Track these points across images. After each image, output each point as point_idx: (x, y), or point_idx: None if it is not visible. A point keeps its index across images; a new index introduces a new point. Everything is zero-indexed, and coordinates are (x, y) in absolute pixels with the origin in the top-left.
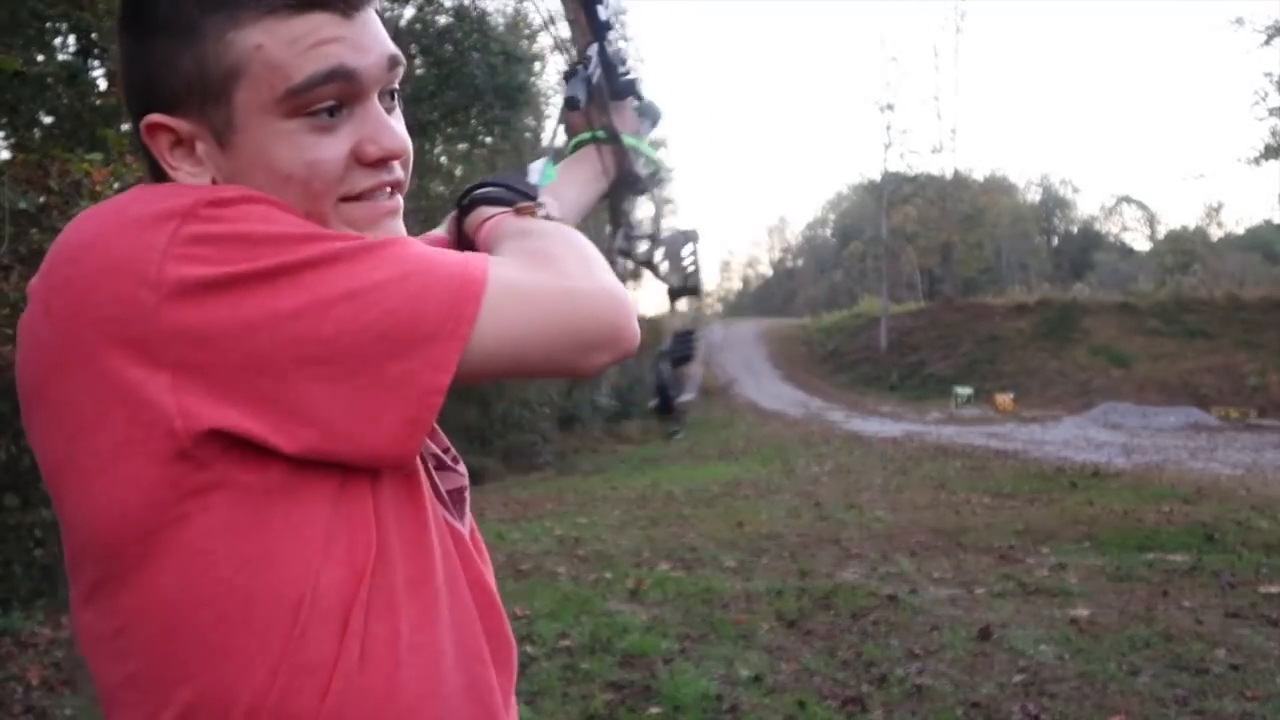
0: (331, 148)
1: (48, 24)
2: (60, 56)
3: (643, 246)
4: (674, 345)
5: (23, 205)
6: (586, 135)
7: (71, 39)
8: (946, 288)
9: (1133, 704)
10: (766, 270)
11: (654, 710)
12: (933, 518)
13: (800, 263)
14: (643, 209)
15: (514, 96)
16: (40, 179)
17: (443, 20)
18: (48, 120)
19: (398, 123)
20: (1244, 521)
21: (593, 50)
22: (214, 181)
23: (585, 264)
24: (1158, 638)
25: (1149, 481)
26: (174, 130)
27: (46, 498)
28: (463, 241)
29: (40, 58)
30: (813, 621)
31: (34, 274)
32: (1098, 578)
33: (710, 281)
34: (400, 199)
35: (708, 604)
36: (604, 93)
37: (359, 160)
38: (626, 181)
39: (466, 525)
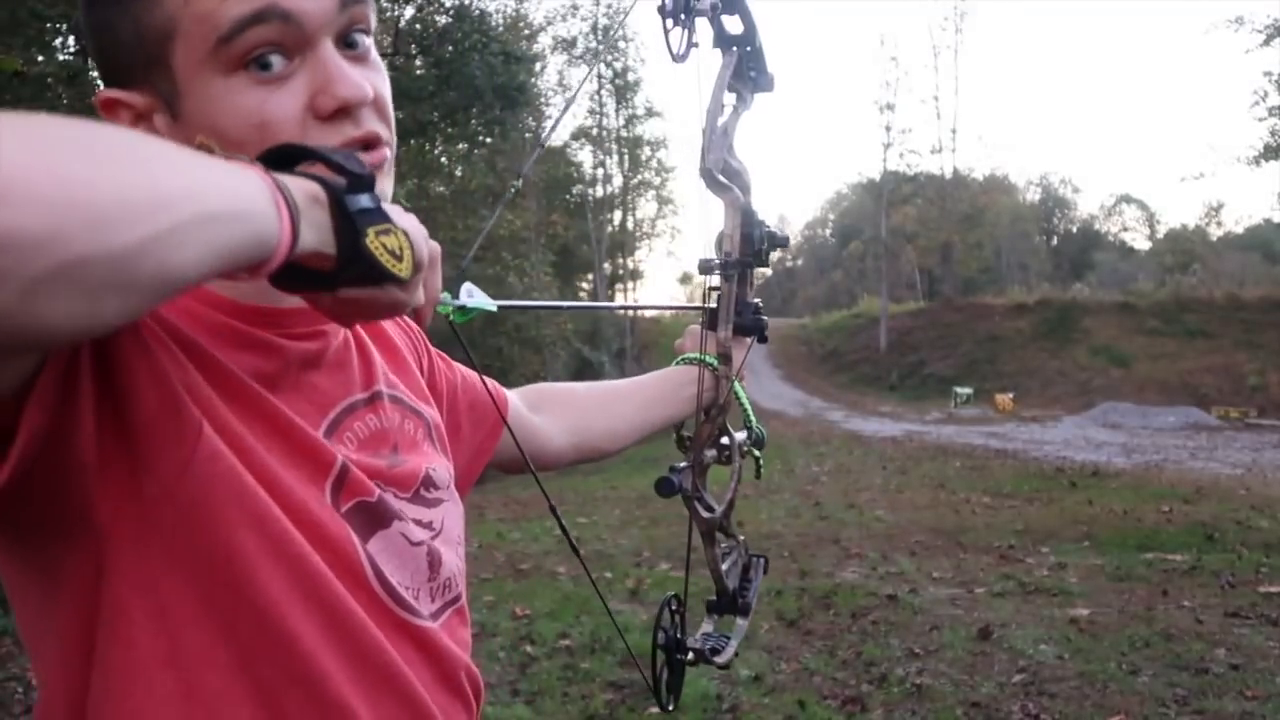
0: (284, 104)
1: (48, 24)
2: (60, 57)
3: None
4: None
5: None
6: (696, 355)
7: (71, 39)
8: (946, 288)
9: (1133, 704)
10: (766, 270)
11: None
12: (933, 518)
13: (800, 262)
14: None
15: (514, 96)
16: None
17: (442, 20)
18: None
19: (368, 70)
20: (1244, 521)
21: (732, 280)
22: None
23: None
24: (1158, 637)
25: (1149, 481)
26: (130, 105)
27: None
28: None
29: (40, 58)
30: (813, 621)
31: None
32: (1097, 577)
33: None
34: (384, 154)
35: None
36: (728, 318)
37: (316, 115)
38: (712, 413)
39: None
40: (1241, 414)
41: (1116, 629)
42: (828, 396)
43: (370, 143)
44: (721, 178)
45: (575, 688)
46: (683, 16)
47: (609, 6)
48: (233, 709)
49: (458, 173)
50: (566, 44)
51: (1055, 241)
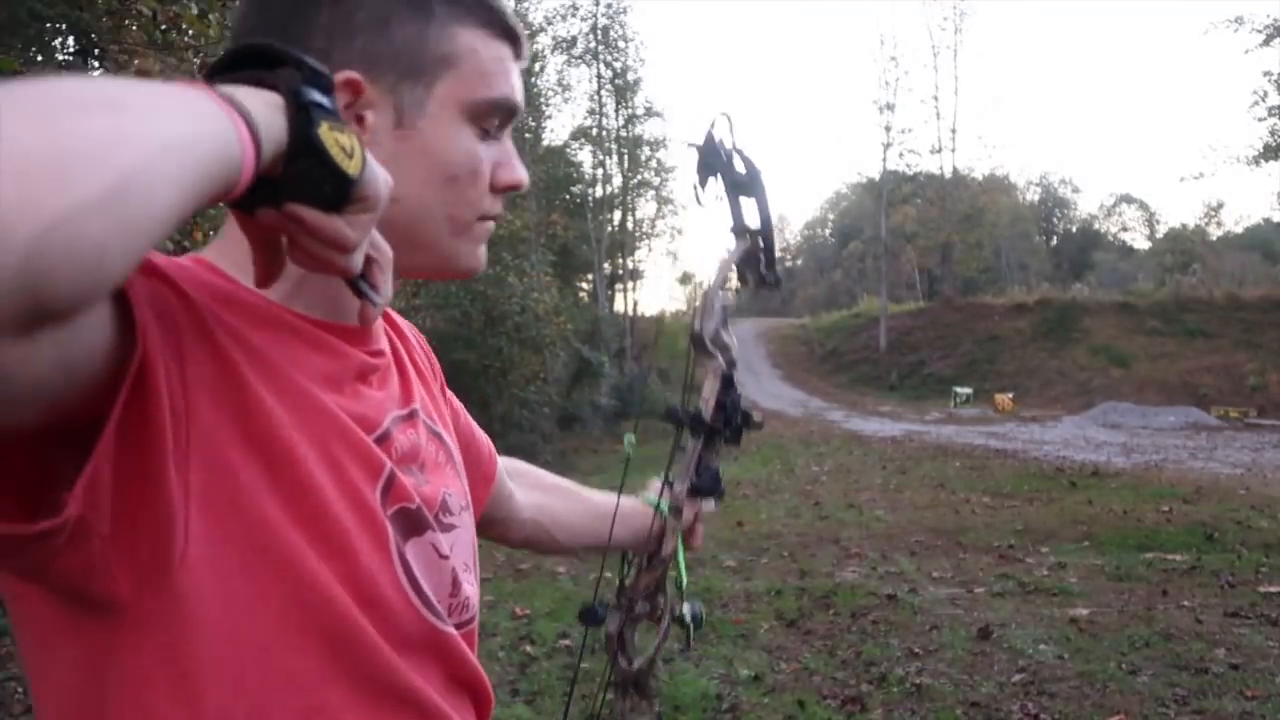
0: (488, 165)
1: (47, 24)
2: (60, 57)
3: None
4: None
5: None
6: (655, 500)
7: (71, 39)
8: (946, 288)
9: (1132, 704)
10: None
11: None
12: (932, 517)
13: (800, 262)
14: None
15: None
16: None
17: None
18: None
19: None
20: (1244, 521)
21: (698, 440)
22: None
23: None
24: (1157, 637)
25: (1149, 481)
26: (361, 93)
27: None
28: None
29: (39, 58)
30: (813, 621)
31: None
32: (1097, 577)
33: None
34: (489, 227)
35: (708, 604)
36: (687, 475)
37: (491, 184)
38: (650, 563)
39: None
40: (1241, 414)
41: (1116, 629)
42: (828, 396)
43: (495, 219)
44: (710, 346)
45: (575, 688)
46: (716, 176)
47: (609, 6)
48: None
49: None
50: (566, 44)
51: (1055, 241)
